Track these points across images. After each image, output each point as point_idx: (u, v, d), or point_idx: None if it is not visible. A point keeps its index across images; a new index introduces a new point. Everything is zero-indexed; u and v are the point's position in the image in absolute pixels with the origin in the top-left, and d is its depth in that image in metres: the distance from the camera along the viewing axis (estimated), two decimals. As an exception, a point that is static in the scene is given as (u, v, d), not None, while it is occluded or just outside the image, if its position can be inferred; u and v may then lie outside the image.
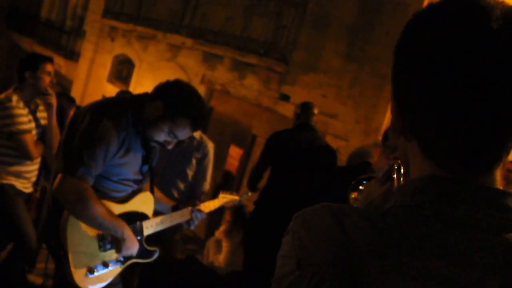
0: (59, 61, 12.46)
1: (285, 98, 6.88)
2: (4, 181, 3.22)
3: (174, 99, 2.12)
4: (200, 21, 8.53)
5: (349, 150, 5.86)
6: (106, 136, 1.99)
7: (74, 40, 12.17)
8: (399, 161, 1.34)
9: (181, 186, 3.72)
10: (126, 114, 2.09)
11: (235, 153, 8.16)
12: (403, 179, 1.26)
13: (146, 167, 2.27)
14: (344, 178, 1.71)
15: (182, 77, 8.56)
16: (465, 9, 0.64)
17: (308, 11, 6.63)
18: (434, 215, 0.64)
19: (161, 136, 2.14)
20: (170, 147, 2.18)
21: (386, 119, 5.50)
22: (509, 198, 0.64)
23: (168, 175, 3.76)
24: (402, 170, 1.26)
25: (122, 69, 10.83)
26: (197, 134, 3.78)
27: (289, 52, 6.83)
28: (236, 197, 2.93)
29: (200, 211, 2.52)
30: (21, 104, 3.18)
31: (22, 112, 3.17)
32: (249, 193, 3.29)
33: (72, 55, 11.96)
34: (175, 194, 3.65)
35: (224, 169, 7.72)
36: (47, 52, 13.09)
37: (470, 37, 0.62)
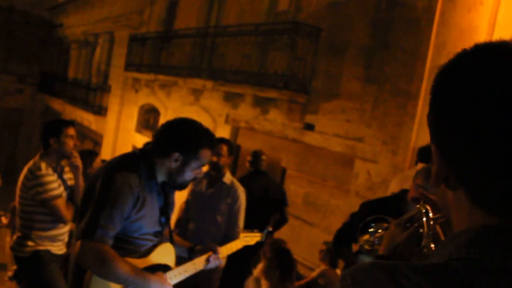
0: (89, 117, 12.88)
1: (309, 127, 6.86)
2: (40, 247, 3.29)
3: (186, 142, 2.19)
4: (218, 62, 8.68)
5: (379, 172, 5.76)
6: (121, 195, 2.02)
7: (101, 95, 12.58)
8: (427, 205, 1.29)
9: (213, 231, 3.72)
10: (138, 169, 2.12)
11: (267, 187, 8.12)
12: (432, 224, 1.20)
13: (164, 218, 2.28)
14: (380, 211, 1.66)
15: (207, 119, 8.68)
16: (504, 53, 0.63)
17: (321, 39, 6.67)
18: (499, 268, 0.60)
19: (192, 174, 2.26)
20: (201, 174, 2.41)
21: (414, 136, 5.39)
22: None
23: (200, 222, 3.78)
24: (430, 215, 1.21)
25: (149, 118, 11.08)
26: (228, 180, 3.81)
27: (308, 81, 6.85)
28: (257, 235, 2.90)
29: (216, 258, 2.50)
30: (50, 171, 3.28)
31: (52, 179, 3.27)
32: (270, 229, 3.23)
33: (100, 110, 12.34)
34: (207, 240, 3.64)
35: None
36: (77, 110, 13.58)
37: None
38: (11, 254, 5.39)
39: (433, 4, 5.33)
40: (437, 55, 5.31)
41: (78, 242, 1.99)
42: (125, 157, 2.23)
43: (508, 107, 0.60)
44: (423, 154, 3.69)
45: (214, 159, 3.76)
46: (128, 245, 2.14)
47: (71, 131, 3.42)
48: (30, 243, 3.27)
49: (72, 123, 3.52)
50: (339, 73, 6.37)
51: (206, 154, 2.25)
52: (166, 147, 2.18)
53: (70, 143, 3.38)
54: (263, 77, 7.36)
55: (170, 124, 2.28)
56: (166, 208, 2.28)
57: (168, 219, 2.32)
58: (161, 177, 2.22)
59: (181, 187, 2.29)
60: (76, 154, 3.41)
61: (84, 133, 13.37)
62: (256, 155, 5.39)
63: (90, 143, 13.12)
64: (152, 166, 2.18)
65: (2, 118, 15.64)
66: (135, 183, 2.07)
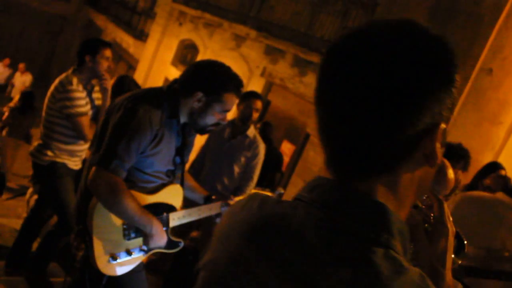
0: (128, 39, 12.88)
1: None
2: (58, 159, 3.36)
3: (210, 83, 2.14)
4: (267, 13, 8.50)
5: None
6: (140, 128, 2.00)
7: (144, 20, 12.52)
8: None
9: (226, 181, 3.74)
10: (162, 105, 2.10)
11: (287, 149, 8.10)
12: None
13: (178, 158, 2.27)
14: None
15: (244, 67, 8.60)
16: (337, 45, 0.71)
17: (376, 14, 6.44)
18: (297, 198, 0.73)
19: (215, 118, 2.21)
20: (225, 121, 2.27)
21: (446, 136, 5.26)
22: (346, 197, 0.68)
23: (215, 168, 3.80)
24: None
25: (187, 54, 11.03)
26: (251, 133, 3.80)
27: (352, 53, 6.67)
28: (269, 194, 2.90)
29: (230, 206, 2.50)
30: (80, 87, 3.31)
31: (81, 95, 3.30)
32: (282, 191, 3.23)
33: (141, 35, 12.32)
34: (219, 187, 3.68)
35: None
36: (118, 30, 13.58)
37: (324, 67, 0.71)
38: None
39: (502, 2, 5.06)
40: (491, 58, 5.09)
41: (93, 168, 2.01)
42: (150, 91, 2.21)
43: (317, 84, 0.70)
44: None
45: (248, 111, 3.73)
46: (138, 180, 2.15)
47: (108, 52, 3.41)
48: (49, 152, 3.34)
49: (110, 44, 3.51)
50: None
51: (230, 98, 2.19)
52: (191, 86, 2.14)
53: (105, 64, 3.38)
54: (308, 39, 7.20)
55: (198, 63, 2.25)
56: (182, 149, 2.27)
57: (183, 160, 2.31)
58: (183, 118, 2.20)
59: (202, 131, 2.26)
60: (107, 76, 3.42)
61: (121, 55, 13.42)
62: (266, 126, 5.55)
63: (125, 66, 13.19)
64: (175, 105, 2.15)
65: (45, 23, 15.76)
66: (156, 119, 2.06)
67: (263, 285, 0.67)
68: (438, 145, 0.69)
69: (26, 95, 7.10)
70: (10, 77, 13.54)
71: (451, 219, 1.09)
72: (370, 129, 0.65)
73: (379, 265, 0.61)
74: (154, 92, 2.22)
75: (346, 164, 0.70)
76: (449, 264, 1.04)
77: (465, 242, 1.32)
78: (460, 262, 1.31)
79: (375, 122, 0.65)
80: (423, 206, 1.11)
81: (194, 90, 2.13)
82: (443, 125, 0.68)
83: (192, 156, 3.13)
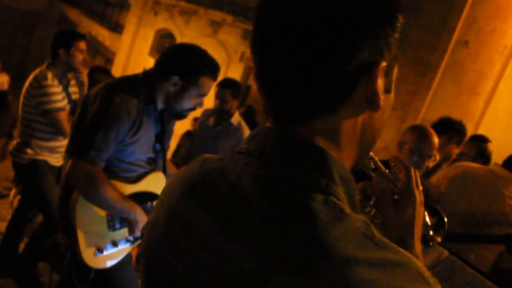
0: (104, 32, 12.68)
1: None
2: (39, 157, 3.32)
3: (186, 66, 2.11)
4: (241, -2, 8.43)
5: (383, 137, 5.72)
6: (118, 117, 1.98)
7: (119, 12, 12.32)
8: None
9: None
10: (138, 93, 2.07)
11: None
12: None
13: (158, 145, 2.25)
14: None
15: (222, 53, 8.53)
16: None
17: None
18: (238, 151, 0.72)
19: (191, 103, 2.18)
20: (201, 106, 2.23)
21: (425, 108, 5.31)
22: (283, 139, 0.66)
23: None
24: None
25: (164, 43, 10.90)
26: (235, 120, 3.78)
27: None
28: None
29: None
30: (55, 82, 3.25)
31: (57, 90, 3.24)
32: None
33: (117, 27, 12.13)
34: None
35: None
36: (93, 24, 13.36)
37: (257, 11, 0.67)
38: None
39: (474, -26, 5.08)
40: (466, 30, 5.13)
41: (70, 160, 1.98)
42: (125, 80, 2.18)
43: (253, 34, 0.67)
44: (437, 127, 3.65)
45: (218, 103, 3.73)
46: (119, 170, 2.13)
47: (82, 45, 3.35)
48: (29, 150, 3.29)
49: (84, 36, 3.45)
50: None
51: (207, 82, 2.16)
52: (166, 70, 2.11)
53: (80, 57, 3.32)
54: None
55: (174, 47, 2.20)
56: (162, 135, 2.25)
57: (163, 147, 2.29)
58: (160, 104, 2.18)
59: (179, 116, 2.24)
60: (83, 69, 3.37)
61: (97, 48, 13.21)
62: (249, 109, 5.70)
63: (102, 59, 13.00)
64: (152, 91, 2.12)
65: (16, 20, 15.41)
66: (133, 107, 2.03)
67: (201, 238, 0.65)
68: (380, 86, 0.66)
69: None
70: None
71: (420, 187, 1.05)
72: (302, 66, 0.62)
73: (317, 211, 0.59)
74: (129, 80, 2.18)
75: (282, 108, 0.67)
76: (417, 234, 1.01)
77: (445, 219, 1.32)
78: (439, 239, 1.30)
79: (307, 58, 0.62)
80: (390, 175, 1.09)
81: (169, 74, 2.10)
82: (383, 63, 0.64)
83: (174, 143, 3.09)
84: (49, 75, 3.22)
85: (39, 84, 3.19)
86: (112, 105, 1.98)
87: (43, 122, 3.26)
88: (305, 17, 0.61)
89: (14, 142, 3.40)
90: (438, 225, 1.31)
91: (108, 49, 12.50)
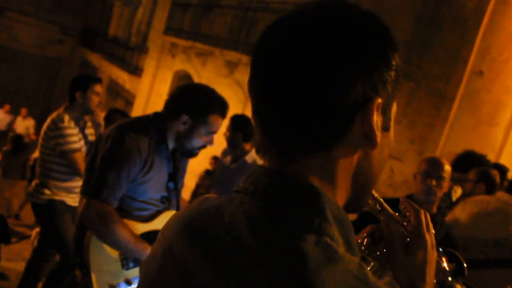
0: (124, 76, 13.03)
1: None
2: (56, 197, 3.37)
3: (194, 105, 2.16)
4: (256, 37, 8.58)
5: (403, 171, 5.65)
6: (129, 157, 2.02)
7: (138, 56, 12.68)
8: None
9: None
10: (149, 132, 2.12)
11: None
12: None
13: (172, 184, 2.27)
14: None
15: (239, 93, 8.66)
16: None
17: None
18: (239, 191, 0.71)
19: (201, 141, 2.21)
20: (212, 143, 2.25)
21: (443, 140, 5.26)
22: (276, 177, 0.66)
23: (218, 193, 3.80)
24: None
25: (182, 84, 11.12)
26: (250, 158, 3.82)
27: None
28: None
29: None
30: (72, 124, 3.34)
31: (73, 132, 3.32)
32: None
33: (136, 70, 12.46)
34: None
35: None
36: (113, 67, 13.75)
37: (254, 55, 0.69)
38: None
39: (484, 4, 5.11)
40: (480, 60, 5.12)
41: (84, 200, 2.02)
42: (137, 120, 2.24)
43: (250, 76, 0.69)
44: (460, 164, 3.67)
45: (229, 147, 3.83)
46: (132, 208, 2.15)
47: (98, 88, 3.45)
48: (47, 191, 3.35)
49: (99, 80, 3.55)
50: (376, 65, 6.23)
51: (216, 120, 2.20)
52: (176, 109, 2.17)
53: (95, 99, 3.42)
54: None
55: (183, 87, 2.27)
56: (175, 174, 2.28)
57: (176, 185, 2.31)
58: (171, 143, 2.21)
59: (190, 154, 2.27)
60: (99, 112, 3.45)
61: (118, 91, 13.55)
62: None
63: (123, 102, 13.31)
64: (162, 130, 2.17)
65: (41, 66, 16.00)
66: (144, 146, 2.08)
67: (193, 277, 0.64)
68: (377, 123, 0.65)
69: (16, 138, 7.48)
70: (12, 123, 13.65)
71: (432, 230, 1.02)
72: (296, 104, 0.63)
73: (308, 252, 0.57)
74: (140, 120, 2.24)
75: (277, 145, 0.67)
76: (430, 279, 0.98)
77: (465, 265, 1.28)
78: (459, 286, 1.26)
79: (301, 97, 0.62)
80: (400, 218, 1.06)
81: (179, 113, 2.15)
82: (378, 100, 0.64)
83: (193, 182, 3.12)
84: (66, 118, 3.31)
85: (56, 126, 3.27)
86: (123, 145, 2.03)
87: (60, 163, 3.33)
88: (298, 57, 0.62)
89: (33, 183, 3.47)
90: (457, 271, 1.27)
91: (128, 91, 12.81)
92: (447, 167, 2.49)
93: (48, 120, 3.37)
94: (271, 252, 0.59)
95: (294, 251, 0.57)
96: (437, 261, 1.19)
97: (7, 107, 13.81)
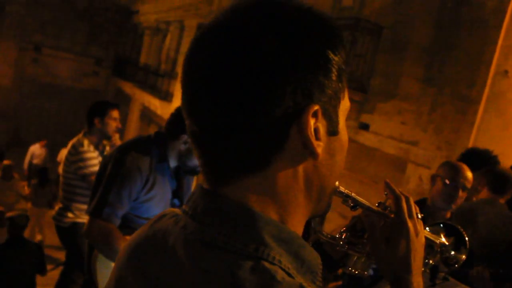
0: (155, 102, 13.35)
1: (364, 127, 6.69)
2: (79, 220, 3.47)
3: None
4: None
5: (427, 178, 5.50)
6: (129, 175, 2.08)
7: (168, 82, 12.97)
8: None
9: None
10: (150, 151, 2.17)
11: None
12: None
13: (177, 201, 2.31)
14: None
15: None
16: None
17: (382, 37, 6.46)
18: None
19: None
20: None
21: (471, 144, 5.10)
22: (209, 199, 0.63)
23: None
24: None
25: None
26: None
27: (366, 80, 6.68)
28: None
29: None
30: (91, 148, 3.45)
31: (92, 155, 3.43)
32: None
33: (167, 96, 12.74)
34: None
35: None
36: (145, 94, 14.11)
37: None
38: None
39: (503, 4, 5.00)
40: (503, 60, 4.99)
41: (87, 219, 2.08)
42: (138, 140, 2.29)
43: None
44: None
45: None
46: (138, 226, 2.18)
47: (115, 113, 3.56)
48: (70, 214, 3.46)
49: (117, 105, 3.67)
50: (398, 73, 6.15)
51: None
52: (176, 129, 2.21)
53: (113, 125, 3.51)
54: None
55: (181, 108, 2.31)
56: (179, 191, 2.32)
57: (182, 202, 2.35)
58: (173, 161, 2.26)
59: (193, 172, 2.31)
60: (117, 136, 3.56)
61: (151, 117, 13.88)
62: None
63: (156, 127, 13.60)
64: (164, 149, 2.22)
65: (79, 98, 16.60)
66: (145, 165, 2.13)
67: None
68: (320, 130, 0.60)
69: (41, 171, 7.83)
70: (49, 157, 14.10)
71: (417, 216, 0.97)
72: (223, 122, 0.58)
73: (242, 280, 0.54)
74: (141, 140, 2.30)
75: (211, 166, 0.63)
76: (417, 269, 0.93)
77: (465, 235, 1.24)
78: (464, 257, 1.21)
79: (226, 114, 0.58)
80: (379, 208, 1.03)
81: (179, 133, 2.20)
82: (314, 107, 0.58)
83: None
84: (85, 142, 3.43)
85: (76, 151, 3.39)
86: (124, 165, 2.10)
87: (82, 186, 3.44)
88: (219, 72, 0.58)
89: (56, 207, 3.59)
90: (458, 244, 1.23)
91: (160, 117, 13.09)
92: (470, 175, 2.38)
93: (69, 145, 3.50)
94: (208, 282, 0.56)
95: (229, 280, 0.55)
96: (432, 240, 1.15)
97: (43, 142, 14.28)
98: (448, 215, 2.45)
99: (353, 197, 0.94)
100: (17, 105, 15.63)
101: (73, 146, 3.45)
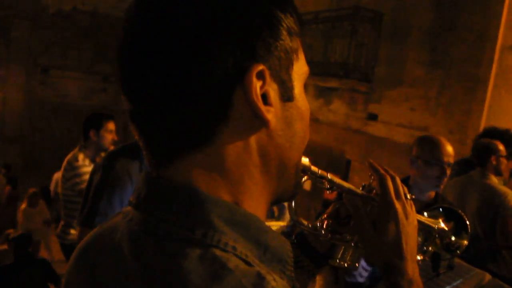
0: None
1: (373, 117, 6.56)
2: (80, 236, 3.41)
3: None
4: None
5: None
6: (119, 181, 2.04)
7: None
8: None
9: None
10: (139, 155, 2.10)
11: (333, 180, 7.91)
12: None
13: None
14: None
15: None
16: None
17: (383, 24, 6.31)
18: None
19: None
20: None
21: (483, 124, 4.92)
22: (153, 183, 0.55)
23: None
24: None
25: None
26: None
27: (370, 69, 6.54)
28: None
29: None
30: (87, 162, 3.38)
31: (88, 170, 3.35)
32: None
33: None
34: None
35: (323, 198, 7.53)
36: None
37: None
38: None
39: (505, -23, 4.82)
40: (508, 35, 4.81)
41: (78, 229, 2.03)
42: (126, 146, 2.24)
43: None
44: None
45: None
46: None
47: (111, 125, 3.48)
48: (72, 231, 3.39)
49: (112, 117, 3.59)
50: (402, 59, 5.99)
51: None
52: None
53: (109, 137, 3.44)
54: (324, 66, 7.13)
55: None
56: None
57: None
58: None
59: None
60: (113, 148, 3.48)
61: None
62: None
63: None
64: None
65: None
66: (135, 170, 2.08)
67: None
68: (272, 95, 0.53)
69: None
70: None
71: (405, 197, 0.87)
72: (157, 94, 0.51)
73: (189, 272, 0.47)
74: (130, 145, 2.24)
75: (152, 145, 0.56)
76: (410, 254, 0.83)
77: (465, 219, 1.14)
78: (466, 242, 1.12)
79: (158, 82, 0.51)
80: (362, 191, 0.93)
81: None
82: (259, 67, 0.51)
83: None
84: (80, 157, 3.36)
85: (72, 167, 3.33)
86: (113, 171, 2.05)
87: (79, 202, 3.36)
88: (146, 32, 0.52)
89: (59, 225, 3.53)
90: (459, 228, 1.12)
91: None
92: (451, 148, 2.18)
93: (64, 162, 3.43)
94: (152, 277, 0.49)
95: (174, 272, 0.48)
96: (429, 225, 1.05)
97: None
98: (433, 194, 2.25)
99: (329, 179, 0.84)
100: (29, 128, 15.85)
101: (68, 162, 3.38)
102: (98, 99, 17.66)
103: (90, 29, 16.64)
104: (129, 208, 0.59)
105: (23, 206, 6.84)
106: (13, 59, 15.45)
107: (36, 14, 15.24)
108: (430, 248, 1.10)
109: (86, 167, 3.35)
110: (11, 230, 5.36)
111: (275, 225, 2.74)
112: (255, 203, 0.56)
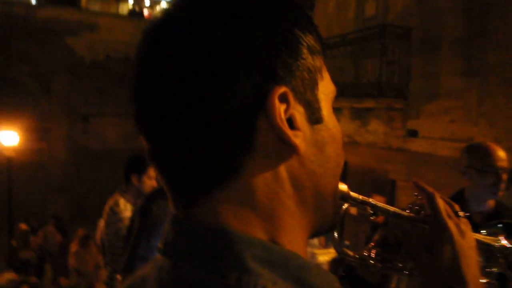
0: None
1: (413, 133, 6.39)
2: (129, 281, 3.39)
3: None
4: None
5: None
6: (157, 224, 2.02)
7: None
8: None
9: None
10: None
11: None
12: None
13: None
14: None
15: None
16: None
17: (412, 39, 6.21)
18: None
19: None
20: None
21: (531, 130, 4.70)
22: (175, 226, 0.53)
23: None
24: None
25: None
26: None
27: (404, 85, 6.41)
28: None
29: None
30: (128, 206, 3.38)
31: (129, 215, 3.36)
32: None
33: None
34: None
35: (371, 220, 7.31)
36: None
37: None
38: None
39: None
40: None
41: (118, 276, 2.00)
42: (162, 187, 2.23)
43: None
44: None
45: None
46: None
47: (152, 171, 3.47)
48: (119, 277, 3.38)
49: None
50: (436, 71, 5.86)
51: None
52: None
53: (149, 183, 3.41)
54: (357, 88, 7.05)
55: None
56: None
57: None
58: None
59: None
60: None
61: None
62: None
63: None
64: None
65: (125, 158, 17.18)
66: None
67: None
68: (298, 119, 0.50)
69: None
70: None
71: (461, 214, 0.80)
72: (176, 130, 0.49)
73: None
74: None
75: (175, 189, 0.52)
76: (472, 278, 0.76)
77: None
78: None
79: (176, 119, 0.48)
80: (410, 213, 0.87)
81: None
82: (281, 89, 0.48)
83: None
84: (121, 201, 3.37)
85: (113, 212, 3.33)
86: (150, 213, 2.04)
87: (125, 247, 3.37)
88: (158, 68, 0.49)
89: (106, 272, 3.53)
90: None
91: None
92: (503, 153, 2.07)
93: (106, 208, 3.45)
94: None
95: None
96: (488, 244, 0.97)
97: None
98: (493, 203, 2.12)
99: (372, 204, 0.79)
100: (74, 175, 16.30)
101: (110, 208, 3.39)
102: (135, 142, 18.07)
103: (123, 74, 17.21)
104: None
105: (74, 248, 6.69)
106: (55, 110, 16.08)
107: (73, 66, 15.89)
108: (494, 269, 1.01)
109: (128, 211, 3.36)
110: (62, 278, 5.39)
111: (324, 253, 2.63)
112: (293, 238, 0.52)
